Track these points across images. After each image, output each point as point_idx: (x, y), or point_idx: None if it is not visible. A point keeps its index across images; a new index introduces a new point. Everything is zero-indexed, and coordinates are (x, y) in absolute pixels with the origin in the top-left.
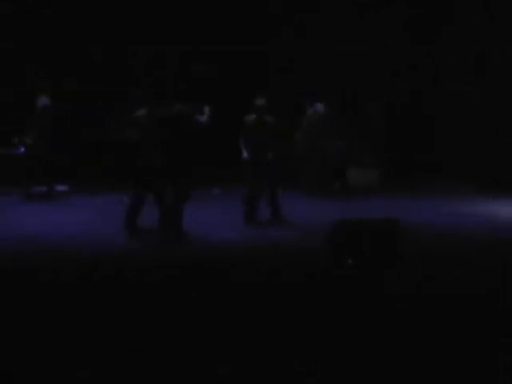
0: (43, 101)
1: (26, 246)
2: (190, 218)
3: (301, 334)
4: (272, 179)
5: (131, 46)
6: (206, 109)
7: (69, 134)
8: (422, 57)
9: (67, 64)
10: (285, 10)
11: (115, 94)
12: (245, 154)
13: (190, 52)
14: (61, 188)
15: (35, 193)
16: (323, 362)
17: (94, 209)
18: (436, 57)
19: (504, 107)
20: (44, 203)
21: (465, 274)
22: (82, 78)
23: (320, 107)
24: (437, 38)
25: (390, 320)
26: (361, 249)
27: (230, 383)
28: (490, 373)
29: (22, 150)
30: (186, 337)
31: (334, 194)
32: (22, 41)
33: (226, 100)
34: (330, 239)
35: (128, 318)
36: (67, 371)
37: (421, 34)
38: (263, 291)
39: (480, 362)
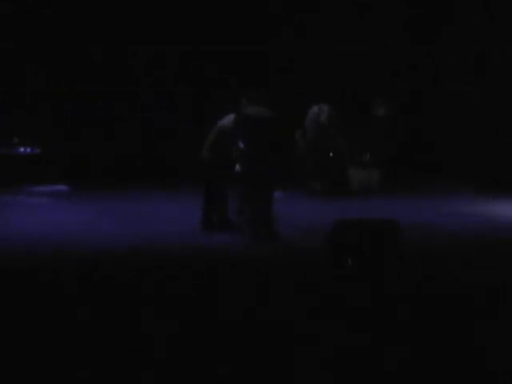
0: None
1: (26, 246)
2: (190, 218)
3: (300, 333)
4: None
5: (131, 46)
6: None
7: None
8: (422, 57)
9: (67, 64)
10: (285, 9)
11: (115, 94)
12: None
13: (190, 52)
14: (61, 188)
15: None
16: (322, 361)
17: (94, 209)
18: (436, 57)
19: (504, 107)
20: (43, 203)
21: (465, 274)
22: (82, 78)
23: (325, 108)
24: (437, 38)
25: (389, 320)
26: (361, 249)
27: (230, 383)
28: (489, 373)
29: (22, 149)
30: (186, 337)
31: (334, 194)
32: (21, 41)
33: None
34: (330, 239)
35: (128, 318)
36: (67, 371)
37: (421, 34)
38: (263, 291)
39: (479, 362)
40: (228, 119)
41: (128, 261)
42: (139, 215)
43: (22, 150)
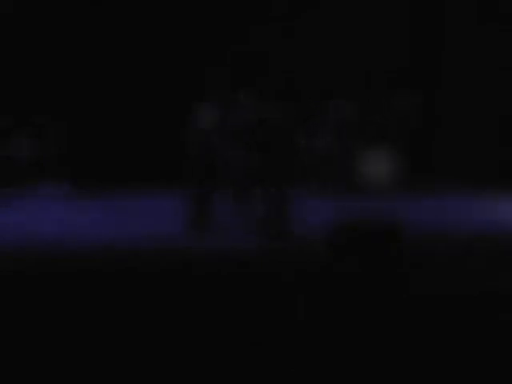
0: None
1: (27, 247)
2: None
3: (300, 333)
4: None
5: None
6: None
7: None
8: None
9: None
10: (285, 9)
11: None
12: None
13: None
14: (60, 188)
15: None
16: (321, 361)
17: (93, 209)
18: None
19: (506, 106)
20: (47, 203)
21: (465, 273)
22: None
23: (344, 107)
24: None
25: (388, 320)
26: (361, 249)
27: (230, 383)
28: (489, 374)
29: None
30: (187, 336)
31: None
32: (21, 41)
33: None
34: (330, 239)
35: (129, 319)
36: (67, 372)
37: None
38: (263, 291)
39: (479, 363)
40: (203, 118)
41: (128, 261)
42: (139, 215)
43: (21, 149)
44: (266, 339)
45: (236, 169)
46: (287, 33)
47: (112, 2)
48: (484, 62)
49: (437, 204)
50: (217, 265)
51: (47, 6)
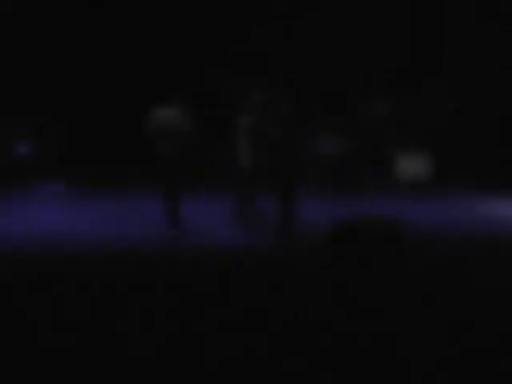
0: None
1: (27, 247)
2: (191, 217)
3: (300, 332)
4: None
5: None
6: None
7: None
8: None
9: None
10: (285, 9)
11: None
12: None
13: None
14: (58, 187)
15: None
16: (322, 360)
17: (89, 209)
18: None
19: (506, 106)
20: (46, 203)
21: (465, 272)
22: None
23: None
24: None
25: (388, 320)
26: (361, 249)
27: (228, 382)
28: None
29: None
30: (187, 335)
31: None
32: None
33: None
34: (330, 239)
35: (130, 318)
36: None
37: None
38: (263, 291)
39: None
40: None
41: (127, 261)
42: (139, 215)
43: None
44: (266, 339)
45: (238, 169)
46: (287, 33)
47: (112, 3)
48: (484, 62)
49: (437, 204)
50: (216, 264)
51: (47, 6)
